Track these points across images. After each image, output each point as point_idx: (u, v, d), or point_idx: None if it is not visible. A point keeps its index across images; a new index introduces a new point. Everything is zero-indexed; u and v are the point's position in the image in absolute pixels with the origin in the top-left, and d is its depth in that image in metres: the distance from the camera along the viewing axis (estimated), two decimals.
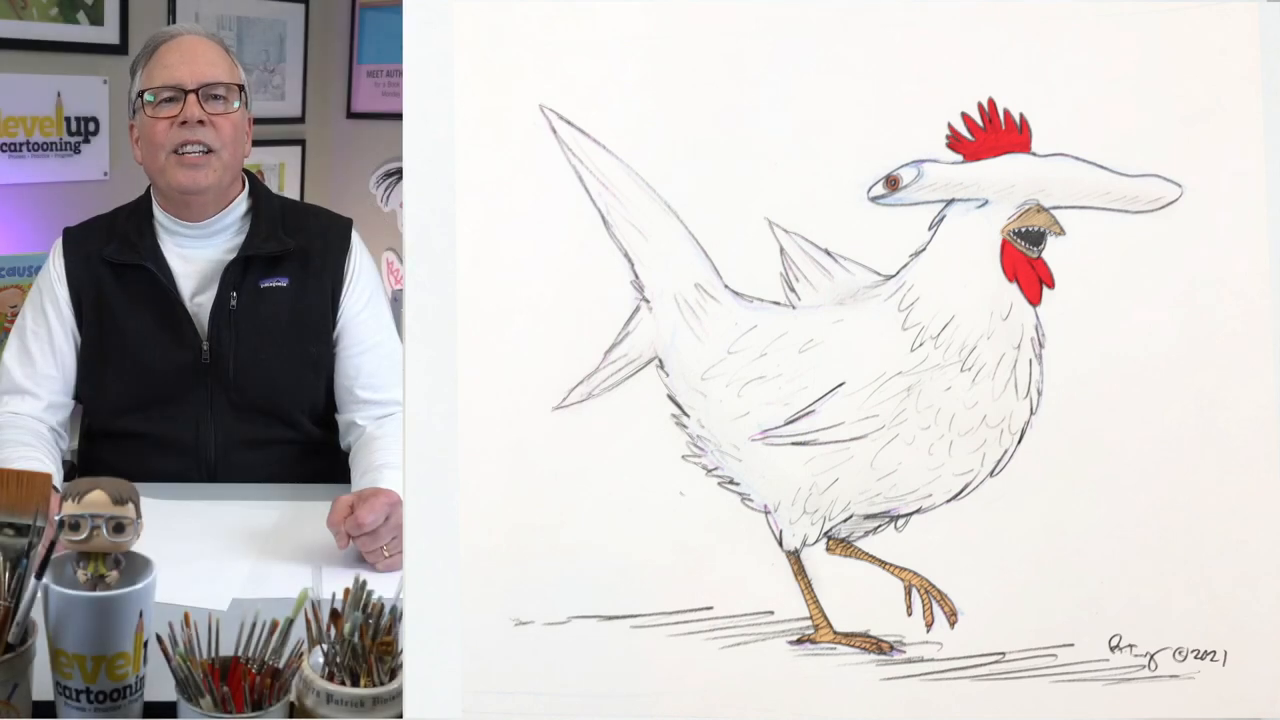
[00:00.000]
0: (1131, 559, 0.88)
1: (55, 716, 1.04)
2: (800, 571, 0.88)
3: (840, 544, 0.89)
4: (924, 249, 0.88)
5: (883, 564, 0.89)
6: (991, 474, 0.88)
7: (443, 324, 0.87)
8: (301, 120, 3.57)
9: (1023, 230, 0.88)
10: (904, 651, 0.88)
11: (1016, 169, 0.87)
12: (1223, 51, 0.88)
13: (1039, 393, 0.88)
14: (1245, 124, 0.88)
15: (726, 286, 0.88)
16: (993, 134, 0.87)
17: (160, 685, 1.04)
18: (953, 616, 0.88)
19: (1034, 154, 0.88)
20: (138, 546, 1.04)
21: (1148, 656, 0.88)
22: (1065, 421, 0.88)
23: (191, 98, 1.71)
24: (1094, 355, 0.88)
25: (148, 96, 1.73)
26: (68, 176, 2.81)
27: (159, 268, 1.76)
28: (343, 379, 1.82)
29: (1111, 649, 0.88)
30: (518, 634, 0.87)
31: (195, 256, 1.79)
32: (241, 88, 1.78)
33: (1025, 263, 0.88)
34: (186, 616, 0.99)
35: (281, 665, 0.98)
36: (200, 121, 1.71)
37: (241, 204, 1.81)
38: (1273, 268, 0.88)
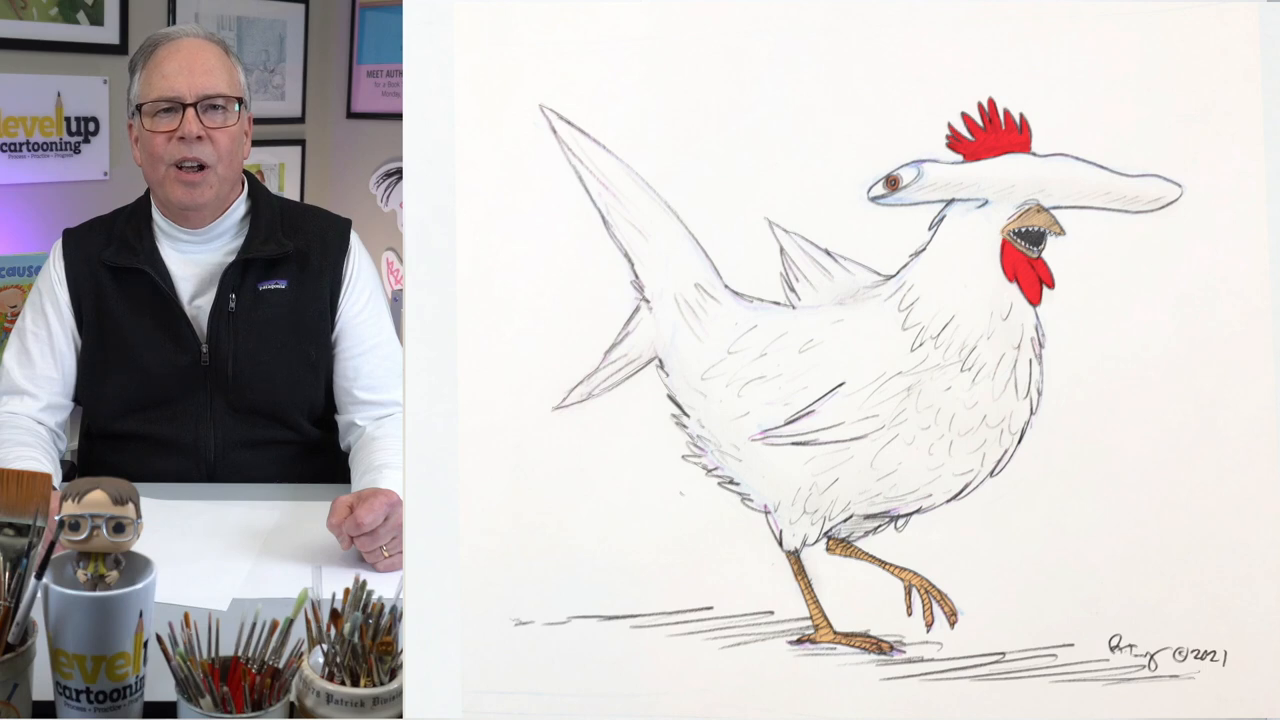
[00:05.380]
0: (1131, 559, 0.88)
1: (55, 716, 1.04)
2: (800, 571, 0.88)
3: (840, 544, 0.89)
4: (924, 249, 0.88)
5: (883, 564, 0.89)
6: (991, 474, 0.88)
7: (443, 324, 0.87)
8: (301, 120, 3.57)
9: (1023, 230, 0.88)
10: (904, 651, 0.88)
11: (1016, 169, 0.87)
12: (1223, 51, 0.88)
13: (1039, 393, 0.88)
14: (1245, 124, 0.88)
15: (726, 286, 0.88)
16: (993, 134, 0.87)
17: (160, 685, 1.04)
18: (953, 616, 0.88)
19: (1034, 154, 0.88)
20: (138, 546, 1.04)
21: (1148, 656, 0.88)
22: (1065, 421, 0.88)
23: (190, 112, 1.70)
24: (1094, 355, 0.88)
25: (145, 108, 1.73)
26: (68, 176, 2.81)
27: (157, 271, 1.76)
28: (342, 380, 1.82)
29: (1111, 649, 0.88)
30: (518, 634, 0.87)
31: (194, 260, 1.79)
32: (240, 99, 1.77)
33: (1025, 263, 0.88)
34: (186, 616, 0.99)
35: (281, 665, 0.98)
36: (199, 137, 1.70)
37: (240, 207, 1.81)
38: (1273, 268, 0.88)
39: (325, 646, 0.98)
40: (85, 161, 2.85)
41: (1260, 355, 0.88)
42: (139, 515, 1.03)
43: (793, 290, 0.88)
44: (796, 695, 0.88)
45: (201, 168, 1.72)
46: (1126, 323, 0.88)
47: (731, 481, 0.88)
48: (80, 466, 1.88)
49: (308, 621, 0.99)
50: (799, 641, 0.88)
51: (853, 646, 0.88)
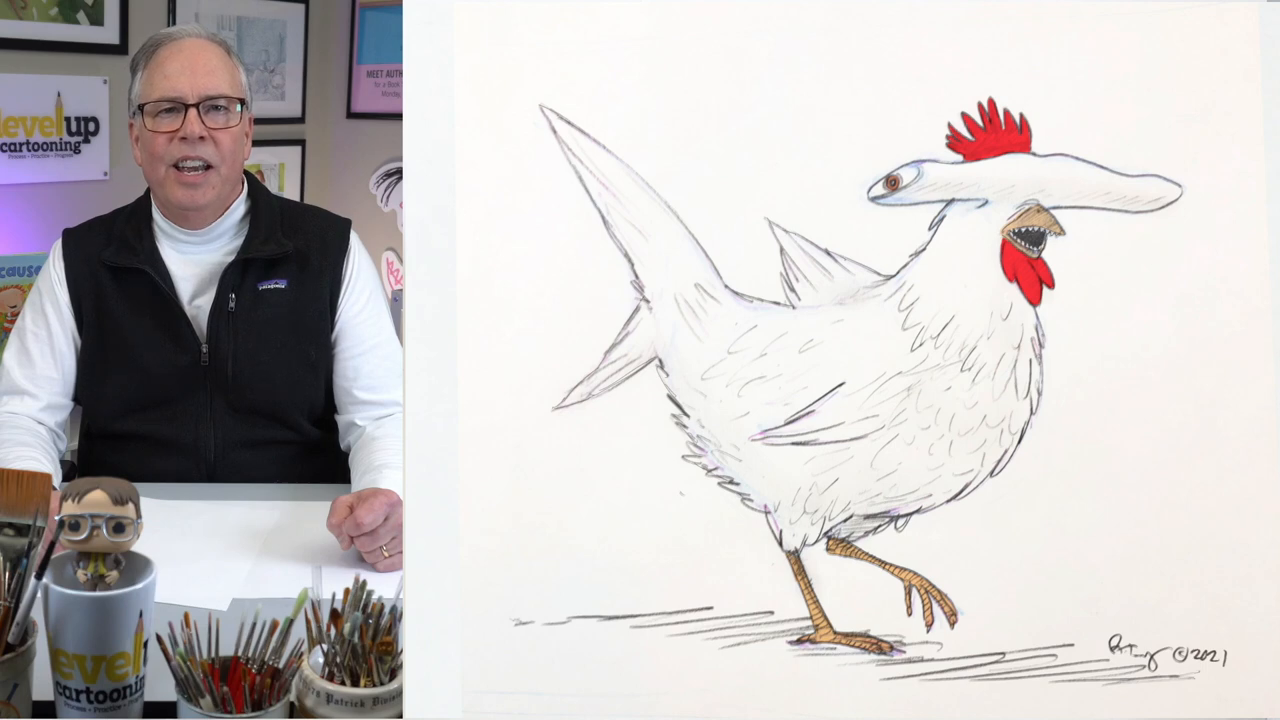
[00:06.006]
0: (1131, 559, 0.88)
1: (55, 716, 1.04)
2: (800, 571, 0.88)
3: (840, 544, 0.89)
4: (924, 249, 0.88)
5: (883, 564, 0.89)
6: (991, 474, 0.88)
7: (443, 324, 0.87)
8: (301, 120, 3.57)
9: (1023, 230, 0.88)
10: (904, 651, 0.88)
11: (1016, 169, 0.87)
12: (1223, 51, 0.88)
13: (1039, 393, 0.88)
14: (1245, 124, 0.88)
15: (726, 286, 0.88)
16: (993, 134, 0.87)
17: (160, 685, 1.04)
18: (953, 616, 0.88)
19: (1034, 154, 0.88)
20: (138, 546, 1.04)
21: (1148, 656, 0.89)
22: (1065, 421, 0.88)
23: (192, 112, 1.70)
24: (1094, 355, 0.88)
25: (147, 108, 1.73)
26: (68, 176, 2.81)
27: (157, 271, 1.76)
28: (341, 380, 1.82)
29: (1111, 649, 0.88)
30: (518, 634, 0.87)
31: (194, 259, 1.79)
32: (242, 100, 1.77)
33: (1025, 263, 0.88)
34: (186, 616, 0.99)
35: (281, 665, 0.98)
36: (201, 137, 1.71)
37: (240, 207, 1.81)
38: (1273, 268, 0.88)
39: (325, 646, 0.98)
40: (85, 161, 2.85)
41: (1260, 355, 0.88)
42: (139, 515, 1.03)
43: (793, 290, 0.88)
44: (796, 695, 0.88)
45: (207, 167, 1.72)
46: (1126, 323, 0.88)
47: (731, 481, 0.88)
48: (80, 466, 1.88)
49: (308, 621, 0.99)
50: (799, 641, 0.88)
51: (853, 646, 0.88)
